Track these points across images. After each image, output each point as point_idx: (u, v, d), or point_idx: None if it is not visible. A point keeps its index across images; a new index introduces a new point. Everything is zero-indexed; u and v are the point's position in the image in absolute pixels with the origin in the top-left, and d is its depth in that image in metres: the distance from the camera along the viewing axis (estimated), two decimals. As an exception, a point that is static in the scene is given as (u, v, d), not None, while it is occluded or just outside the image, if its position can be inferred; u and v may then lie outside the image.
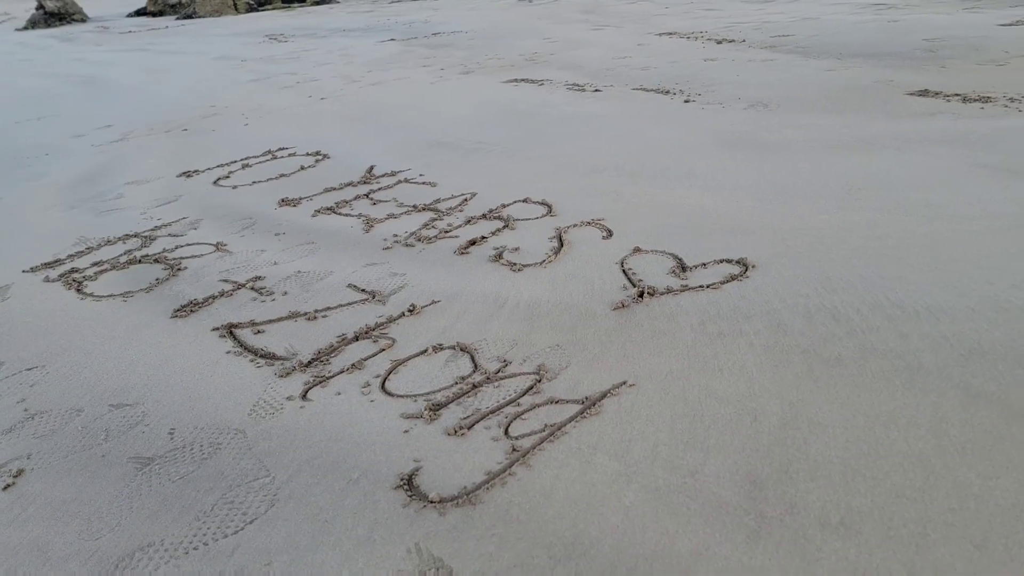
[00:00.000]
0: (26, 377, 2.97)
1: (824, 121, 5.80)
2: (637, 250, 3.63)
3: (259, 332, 3.17)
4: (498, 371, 2.73)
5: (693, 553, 1.85)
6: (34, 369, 3.03)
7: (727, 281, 3.24)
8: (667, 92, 7.36)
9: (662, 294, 3.18)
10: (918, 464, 2.07)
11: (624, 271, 3.43)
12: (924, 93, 6.28)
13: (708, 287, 3.20)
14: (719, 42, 10.26)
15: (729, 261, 3.43)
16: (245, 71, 12.16)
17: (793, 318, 2.88)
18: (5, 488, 2.32)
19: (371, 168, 5.48)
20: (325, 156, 5.98)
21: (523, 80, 8.80)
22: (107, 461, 2.41)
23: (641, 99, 7.19)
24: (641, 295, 3.16)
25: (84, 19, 27.55)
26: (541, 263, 3.60)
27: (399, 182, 5.12)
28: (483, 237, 3.97)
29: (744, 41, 10.14)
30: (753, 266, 3.34)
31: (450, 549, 1.94)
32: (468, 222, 4.24)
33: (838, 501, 1.97)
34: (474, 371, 2.75)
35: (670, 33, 11.65)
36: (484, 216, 4.31)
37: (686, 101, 6.91)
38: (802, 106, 6.34)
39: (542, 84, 8.46)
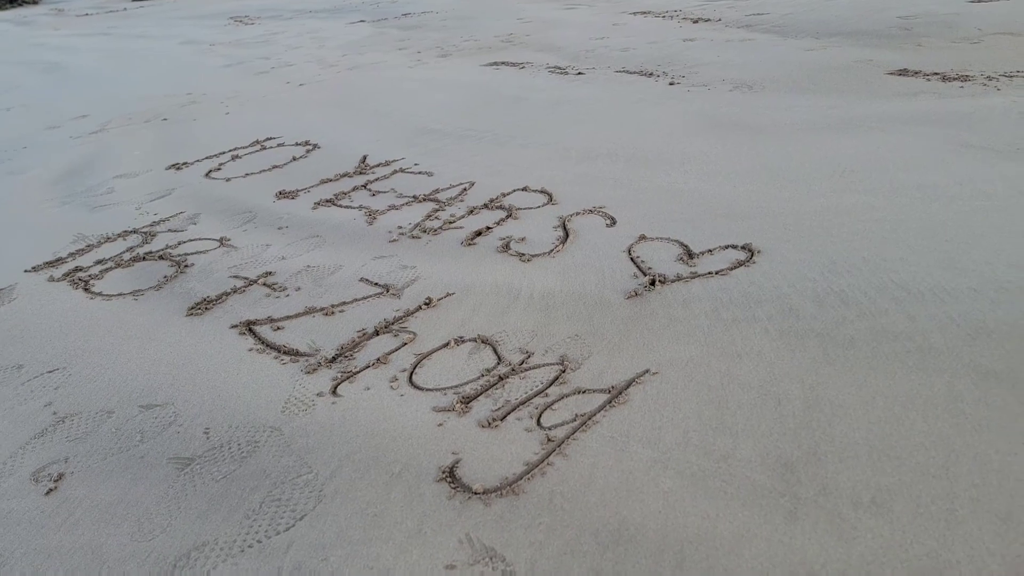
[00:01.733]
0: (48, 380, 2.98)
1: (809, 102, 5.91)
2: (643, 238, 3.71)
3: (278, 329, 3.20)
4: (522, 362, 2.79)
5: (735, 536, 1.95)
6: (55, 371, 3.03)
7: (735, 267, 3.33)
8: (650, 75, 7.42)
9: (672, 281, 3.26)
10: (939, 443, 2.19)
11: (632, 259, 3.51)
12: (904, 73, 6.42)
13: (717, 273, 3.29)
14: (695, 21, 10.33)
15: (735, 247, 3.52)
16: (216, 56, 11.98)
17: (804, 302, 2.98)
18: (48, 493, 2.35)
19: (364, 158, 5.48)
20: (315, 146, 5.95)
21: (503, 63, 8.80)
22: (147, 462, 2.44)
23: (626, 82, 7.25)
24: (652, 283, 3.24)
25: (36, 0, 26.85)
26: (549, 253, 3.66)
27: (395, 172, 5.13)
28: (488, 227, 4.01)
29: (720, 20, 10.22)
30: (759, 251, 3.44)
31: (500, 539, 2.01)
32: (470, 212, 4.28)
33: (867, 481, 2.08)
34: (498, 363, 2.81)
35: (644, 12, 11.69)
36: (486, 206, 4.35)
37: (671, 84, 6.98)
38: (786, 87, 6.44)
39: (523, 67, 8.47)
